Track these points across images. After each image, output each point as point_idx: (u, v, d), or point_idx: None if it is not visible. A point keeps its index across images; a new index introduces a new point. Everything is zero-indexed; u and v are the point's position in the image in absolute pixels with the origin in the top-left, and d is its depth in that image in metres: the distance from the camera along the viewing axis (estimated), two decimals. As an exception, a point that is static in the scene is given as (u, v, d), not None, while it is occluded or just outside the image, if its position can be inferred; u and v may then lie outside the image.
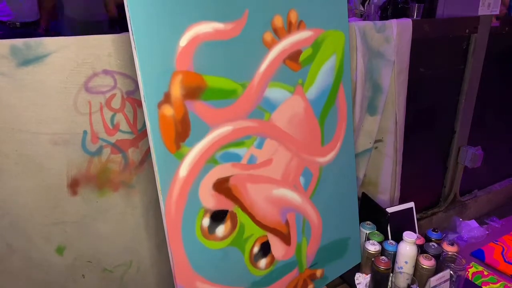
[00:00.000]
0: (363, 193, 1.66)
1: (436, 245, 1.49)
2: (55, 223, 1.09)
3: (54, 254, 1.12)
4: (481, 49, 1.85)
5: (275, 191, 1.20)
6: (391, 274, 1.41)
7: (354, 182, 1.46)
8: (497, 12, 1.80)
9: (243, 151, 1.10)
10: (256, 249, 1.19)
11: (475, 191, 2.28)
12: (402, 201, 1.74)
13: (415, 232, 1.55)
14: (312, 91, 1.23)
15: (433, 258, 1.41)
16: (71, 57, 0.98)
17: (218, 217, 1.08)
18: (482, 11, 1.76)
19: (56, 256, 1.12)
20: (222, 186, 1.07)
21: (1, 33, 2.28)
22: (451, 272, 1.39)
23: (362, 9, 1.96)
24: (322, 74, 1.24)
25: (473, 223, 2.06)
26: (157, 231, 1.23)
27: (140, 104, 1.08)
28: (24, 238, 1.07)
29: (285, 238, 1.26)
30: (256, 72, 1.07)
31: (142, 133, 1.13)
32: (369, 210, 1.61)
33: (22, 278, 1.10)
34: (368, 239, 1.52)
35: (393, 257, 1.45)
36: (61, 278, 1.15)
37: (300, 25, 1.14)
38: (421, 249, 1.47)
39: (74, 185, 1.08)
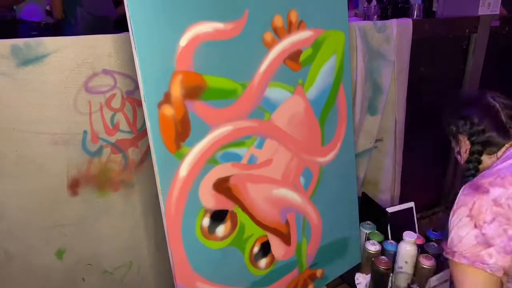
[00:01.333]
0: (363, 193, 1.66)
1: (436, 244, 1.49)
2: (54, 225, 1.09)
3: (53, 258, 1.11)
4: (481, 49, 1.84)
5: (275, 191, 1.20)
6: (391, 274, 1.41)
7: (354, 182, 1.46)
8: (497, 12, 1.80)
9: (243, 151, 1.10)
10: (256, 249, 1.19)
11: (475, 191, 2.27)
12: (402, 201, 1.74)
13: (415, 232, 1.55)
14: (312, 91, 1.23)
15: (433, 258, 1.41)
16: (71, 57, 0.98)
17: (218, 217, 1.08)
18: (482, 11, 1.76)
19: (56, 261, 1.11)
20: (222, 186, 1.07)
21: (35, 34, 2.27)
22: (451, 272, 1.40)
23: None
24: (322, 74, 1.24)
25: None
26: (156, 231, 1.23)
27: (139, 104, 1.08)
28: (22, 243, 1.06)
29: (285, 238, 1.26)
30: (256, 72, 1.07)
31: (141, 133, 1.13)
32: (369, 210, 1.61)
33: (21, 284, 1.09)
34: (368, 239, 1.52)
35: (393, 257, 1.45)
36: (61, 282, 1.14)
37: (300, 25, 1.14)
38: (421, 249, 1.47)
39: (74, 186, 1.08)
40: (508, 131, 1.06)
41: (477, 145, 1.08)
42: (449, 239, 0.98)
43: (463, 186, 1.00)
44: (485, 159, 1.09)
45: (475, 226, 0.91)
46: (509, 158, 1.01)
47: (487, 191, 0.93)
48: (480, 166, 1.10)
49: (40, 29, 2.30)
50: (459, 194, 1.00)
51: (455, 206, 0.98)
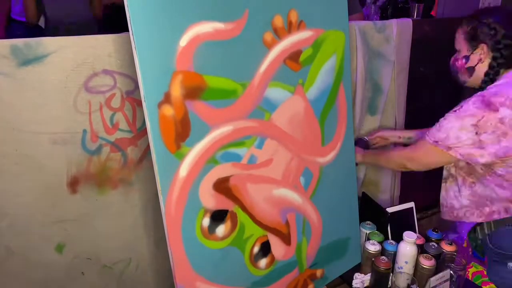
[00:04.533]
0: (363, 193, 1.66)
1: (436, 245, 1.49)
2: (54, 222, 1.09)
3: (53, 252, 1.12)
4: (481, 49, 1.84)
5: (275, 191, 1.20)
6: (391, 274, 1.41)
7: (354, 182, 1.46)
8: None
9: (243, 151, 1.10)
10: (256, 249, 1.19)
11: (475, 191, 2.27)
12: (402, 201, 1.74)
13: (415, 232, 1.55)
14: (312, 91, 1.23)
15: (433, 258, 1.41)
16: (71, 57, 0.99)
17: (218, 217, 1.08)
18: (482, 11, 1.76)
19: (56, 255, 1.12)
20: (222, 186, 1.07)
21: (20, 33, 2.27)
22: (451, 272, 1.39)
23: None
24: (322, 74, 1.24)
25: (473, 223, 2.05)
26: (155, 229, 1.23)
27: (139, 103, 1.09)
28: (23, 239, 1.07)
29: (285, 238, 1.26)
30: (256, 72, 1.07)
31: (141, 132, 1.13)
32: (369, 210, 1.61)
33: (21, 278, 1.10)
34: (368, 239, 1.52)
35: (393, 257, 1.45)
36: (61, 276, 1.15)
37: (300, 25, 1.14)
38: (421, 249, 1.47)
39: (74, 184, 1.09)
40: None
41: (501, 59, 1.10)
42: (444, 134, 1.13)
43: (475, 98, 1.09)
44: (502, 72, 1.12)
45: (476, 133, 1.09)
46: None
47: (496, 110, 1.06)
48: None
49: (27, 28, 2.30)
50: (468, 103, 1.09)
51: (461, 112, 1.09)
